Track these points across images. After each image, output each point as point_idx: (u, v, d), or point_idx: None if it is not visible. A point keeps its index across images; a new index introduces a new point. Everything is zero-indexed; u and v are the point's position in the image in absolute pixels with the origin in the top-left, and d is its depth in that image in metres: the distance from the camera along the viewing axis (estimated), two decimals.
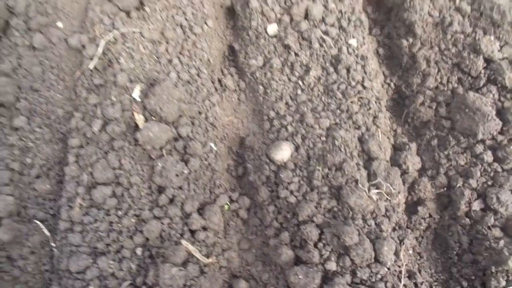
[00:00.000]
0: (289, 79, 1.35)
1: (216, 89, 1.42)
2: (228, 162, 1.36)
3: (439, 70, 1.31)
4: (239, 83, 1.47)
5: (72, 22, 1.41)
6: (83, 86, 1.32)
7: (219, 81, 1.46)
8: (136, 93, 1.26)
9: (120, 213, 1.14)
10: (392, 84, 1.40)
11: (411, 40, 1.37)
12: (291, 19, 1.40)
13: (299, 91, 1.32)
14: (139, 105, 1.25)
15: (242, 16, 1.49)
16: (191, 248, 1.10)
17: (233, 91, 1.46)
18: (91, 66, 1.31)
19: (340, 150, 1.16)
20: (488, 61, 1.25)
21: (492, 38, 1.26)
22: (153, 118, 1.23)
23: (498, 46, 1.26)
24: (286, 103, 1.32)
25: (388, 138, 1.29)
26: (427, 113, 1.30)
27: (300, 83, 1.33)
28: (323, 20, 1.37)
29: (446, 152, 1.23)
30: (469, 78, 1.27)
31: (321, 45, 1.34)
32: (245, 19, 1.46)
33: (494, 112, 1.17)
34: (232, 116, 1.40)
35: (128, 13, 1.38)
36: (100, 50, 1.32)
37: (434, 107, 1.30)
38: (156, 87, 1.23)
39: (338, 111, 1.24)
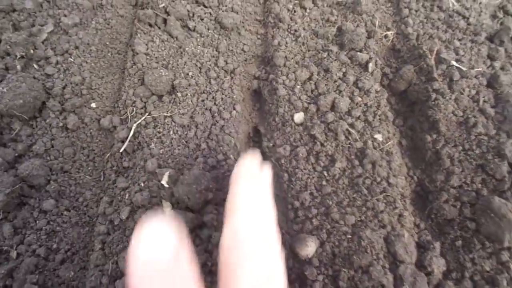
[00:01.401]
0: (314, 169, 1.37)
1: None
2: None
3: (463, 170, 1.32)
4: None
5: (105, 102, 1.45)
6: (112, 168, 1.34)
7: None
8: (164, 180, 1.28)
9: None
10: (415, 178, 1.42)
11: (435, 136, 1.40)
12: (318, 109, 1.43)
13: (324, 182, 1.34)
14: (167, 192, 1.26)
15: (269, 101, 1.53)
16: None
17: None
18: (122, 149, 1.34)
19: (367, 251, 1.16)
20: None
21: None
22: (179, 205, 1.24)
23: None
24: (311, 194, 1.33)
25: (412, 235, 1.29)
26: (451, 212, 1.30)
27: (325, 173, 1.34)
28: (349, 112, 1.40)
29: (471, 256, 1.22)
30: (494, 180, 1.28)
31: (346, 138, 1.37)
32: (272, 105, 1.50)
33: None
34: None
35: (160, 97, 1.43)
36: (131, 133, 1.35)
37: (458, 206, 1.30)
38: (187, 173, 1.25)
39: (364, 208, 1.25)
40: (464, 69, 1.41)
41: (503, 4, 1.90)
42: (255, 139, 1.58)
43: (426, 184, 1.40)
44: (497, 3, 1.87)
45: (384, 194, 1.25)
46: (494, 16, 1.86)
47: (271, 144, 1.46)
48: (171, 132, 1.36)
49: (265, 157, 1.51)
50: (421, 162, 1.44)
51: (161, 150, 1.33)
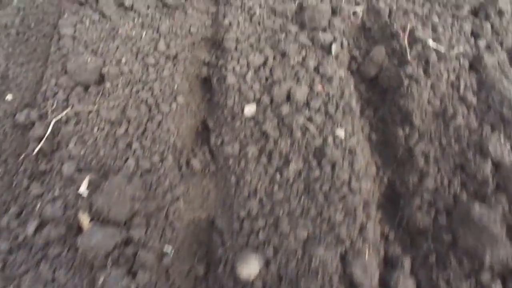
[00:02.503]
0: (266, 171, 1.16)
1: (182, 176, 1.24)
2: (189, 266, 1.15)
3: (439, 170, 1.12)
4: (209, 166, 1.29)
5: (24, 94, 1.24)
6: (26, 172, 1.14)
7: (188, 163, 1.27)
8: (83, 188, 1.07)
9: None
10: (385, 179, 1.21)
11: (407, 130, 1.19)
12: (272, 101, 1.22)
13: (276, 187, 1.13)
14: (85, 203, 1.06)
15: (218, 91, 1.32)
16: None
17: (202, 176, 1.28)
18: (36, 149, 1.13)
19: (318, 273, 0.96)
20: (497, 165, 1.07)
21: (502, 137, 1.07)
22: (100, 219, 1.04)
23: (509, 147, 1.07)
24: (260, 201, 1.13)
25: (377, 249, 1.09)
26: (425, 220, 1.10)
27: (278, 177, 1.14)
28: (307, 104, 1.19)
29: (445, 275, 1.02)
30: (475, 183, 1.08)
31: (303, 134, 1.16)
32: (221, 95, 1.29)
33: (504, 232, 0.97)
34: (199, 211, 1.20)
35: (86, 88, 1.21)
36: (49, 130, 1.15)
37: (432, 214, 1.10)
38: (107, 182, 1.05)
39: (319, 220, 1.05)
40: (442, 50, 1.19)
41: None
42: (204, 135, 1.37)
43: (397, 187, 1.19)
44: None
45: (344, 202, 1.05)
46: None
47: (219, 142, 1.26)
48: (96, 130, 1.15)
49: (213, 156, 1.30)
50: (393, 161, 1.23)
51: (82, 151, 1.12)
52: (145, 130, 1.19)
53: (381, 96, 1.32)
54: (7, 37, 1.26)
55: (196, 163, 1.26)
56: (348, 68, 1.37)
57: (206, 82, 1.41)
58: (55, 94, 1.20)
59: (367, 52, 1.37)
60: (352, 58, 1.38)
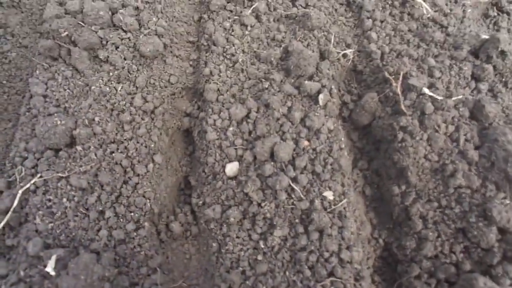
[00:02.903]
0: (250, 237, 1.07)
1: (161, 242, 1.15)
2: None
3: (439, 235, 1.01)
4: (191, 228, 1.20)
5: None
6: None
7: (167, 226, 1.19)
8: (50, 267, 0.99)
9: None
10: (380, 241, 1.11)
11: (403, 187, 1.08)
12: (254, 158, 1.13)
13: (260, 257, 1.04)
14: (53, 283, 0.97)
15: (199, 146, 1.23)
16: None
17: (183, 241, 1.19)
18: (2, 223, 1.06)
19: None
20: (504, 231, 0.95)
21: (508, 199, 0.96)
22: None
23: None
24: (243, 273, 1.04)
25: None
26: None
27: (262, 244, 1.04)
28: (292, 162, 1.10)
29: None
30: (479, 251, 0.97)
31: (289, 196, 1.07)
32: (202, 152, 1.20)
33: None
34: (180, 281, 1.11)
35: (56, 152, 1.14)
36: (15, 202, 1.07)
37: (433, 285, 0.99)
38: (75, 261, 0.96)
39: None
40: (439, 98, 1.09)
41: (495, 0, 1.56)
42: (187, 192, 1.28)
43: (394, 250, 1.08)
44: (488, 0, 1.54)
45: (332, 278, 0.95)
46: (486, 16, 1.52)
47: (200, 202, 1.17)
48: (65, 199, 1.07)
49: (195, 217, 1.21)
50: (389, 220, 1.13)
51: (50, 224, 1.05)
52: (119, 195, 1.11)
53: (375, 147, 1.22)
54: None
55: (176, 227, 1.18)
56: (339, 115, 1.27)
57: (188, 134, 1.33)
58: (24, 159, 1.13)
59: (359, 97, 1.27)
60: (344, 104, 1.28)
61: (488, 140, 1.05)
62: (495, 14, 1.51)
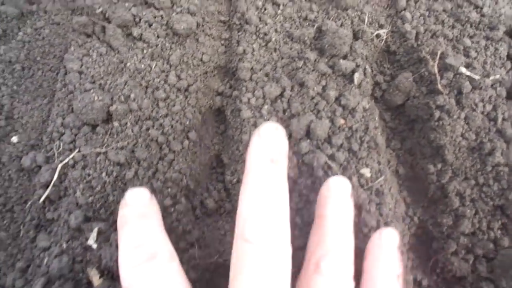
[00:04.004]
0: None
1: (196, 218, 1.16)
2: None
3: (477, 212, 1.02)
4: (225, 205, 1.21)
5: (30, 135, 1.18)
6: (33, 221, 1.08)
7: (202, 203, 1.20)
8: (92, 239, 1.00)
9: None
10: (415, 218, 1.12)
11: (439, 166, 1.09)
12: (290, 136, 1.13)
13: (296, 232, 1.04)
14: (94, 256, 0.99)
15: (232, 125, 1.24)
16: None
17: (218, 218, 1.20)
18: (43, 197, 1.07)
19: None
20: None
21: None
22: (110, 275, 0.97)
23: None
24: None
25: None
26: (462, 267, 1.01)
27: (298, 222, 1.05)
28: (329, 139, 1.10)
29: None
30: None
31: (325, 174, 1.07)
32: (236, 130, 1.21)
33: None
34: (216, 256, 1.13)
35: (93, 128, 1.15)
36: (55, 176, 1.08)
37: (471, 261, 1.00)
38: (115, 233, 0.98)
39: None
40: (476, 77, 1.09)
41: None
42: (219, 170, 1.29)
43: (429, 228, 1.09)
44: None
45: None
46: None
47: (234, 180, 1.18)
48: (104, 174, 1.08)
49: (228, 194, 1.22)
50: (423, 198, 1.13)
51: (90, 198, 1.06)
52: (156, 171, 1.11)
53: (408, 127, 1.23)
54: (11, 73, 1.20)
55: (211, 203, 1.19)
56: (372, 96, 1.27)
57: (220, 114, 1.33)
58: (62, 135, 1.14)
59: (392, 78, 1.27)
60: (376, 84, 1.28)
61: None
62: None
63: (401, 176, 1.19)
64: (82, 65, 1.23)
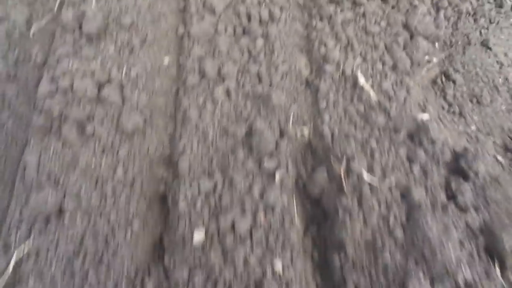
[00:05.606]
0: None
1: None
2: None
3: None
4: (163, 286, 1.39)
5: None
6: None
7: (142, 282, 1.37)
8: None
9: None
10: None
11: (343, 258, 1.29)
12: (218, 229, 1.33)
13: None
14: None
15: (172, 213, 1.42)
16: None
17: None
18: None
19: None
20: None
21: (421, 275, 1.17)
22: None
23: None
24: None
25: None
26: None
27: None
28: (250, 234, 1.30)
29: None
30: None
31: (245, 264, 1.26)
32: (174, 219, 1.39)
33: None
34: None
35: (47, 221, 1.32)
36: (10, 267, 1.25)
37: None
38: None
39: None
40: (375, 183, 1.29)
41: (443, 69, 1.79)
42: (161, 251, 1.47)
43: None
44: (432, 76, 1.75)
45: None
46: (434, 82, 1.75)
47: (171, 265, 1.36)
48: (53, 265, 1.25)
49: (166, 276, 1.40)
50: (331, 285, 1.33)
51: None
52: (101, 260, 1.29)
53: (324, 216, 1.42)
54: None
55: (149, 286, 1.36)
56: (295, 184, 1.47)
57: (164, 198, 1.51)
58: (19, 226, 1.30)
59: (313, 170, 1.47)
60: (298, 176, 1.48)
61: (412, 220, 1.26)
62: (443, 80, 1.74)
63: (315, 262, 1.38)
64: (39, 161, 1.40)
